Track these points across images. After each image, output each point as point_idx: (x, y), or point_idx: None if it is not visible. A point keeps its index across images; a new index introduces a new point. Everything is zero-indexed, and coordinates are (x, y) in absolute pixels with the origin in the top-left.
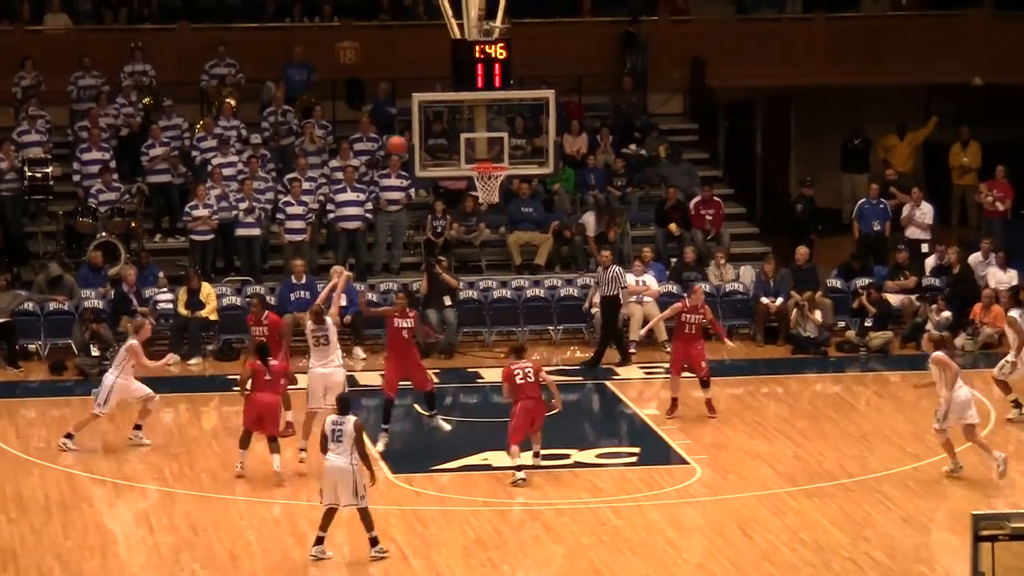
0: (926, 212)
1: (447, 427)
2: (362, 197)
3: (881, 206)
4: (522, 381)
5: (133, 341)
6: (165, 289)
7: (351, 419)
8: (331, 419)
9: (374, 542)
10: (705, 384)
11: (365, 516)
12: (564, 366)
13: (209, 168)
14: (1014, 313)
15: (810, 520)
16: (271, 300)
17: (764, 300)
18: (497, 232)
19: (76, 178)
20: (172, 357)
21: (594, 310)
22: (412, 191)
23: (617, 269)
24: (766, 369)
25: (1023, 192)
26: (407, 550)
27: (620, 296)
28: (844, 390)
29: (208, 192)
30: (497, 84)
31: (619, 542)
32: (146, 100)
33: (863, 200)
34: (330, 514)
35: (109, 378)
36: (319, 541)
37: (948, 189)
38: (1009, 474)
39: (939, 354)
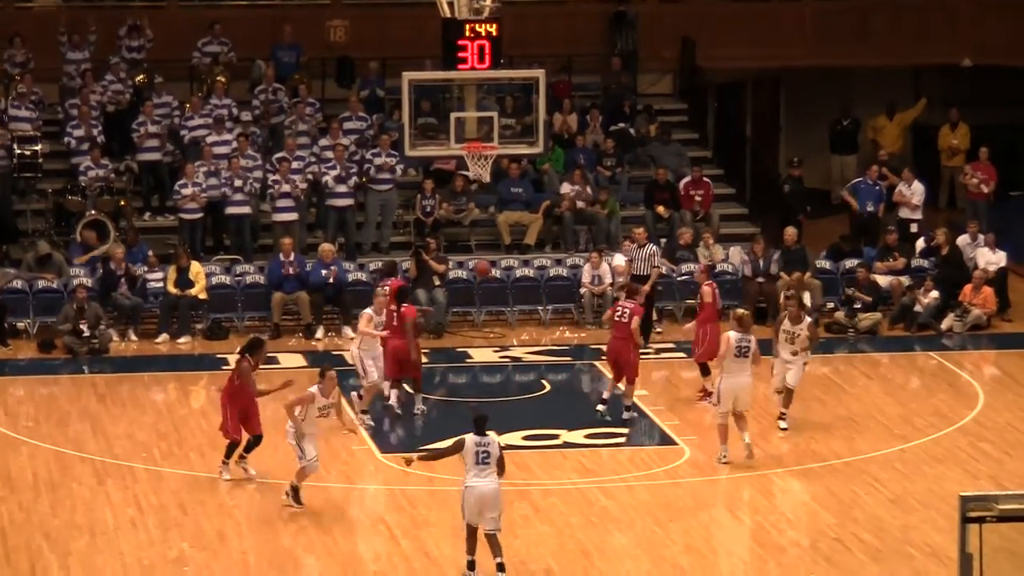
0: (916, 192)
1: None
2: (352, 175)
3: (877, 187)
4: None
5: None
6: (154, 269)
7: (495, 440)
8: (473, 440)
9: (501, 568)
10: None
11: (496, 541)
12: (553, 346)
13: (202, 146)
14: (809, 320)
15: (798, 501)
16: (260, 279)
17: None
18: (486, 212)
19: (64, 156)
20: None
21: (583, 290)
22: (400, 167)
23: (653, 247)
24: None
25: (1008, 174)
26: (396, 530)
27: (652, 275)
28: (833, 371)
29: (197, 170)
30: (487, 63)
31: (608, 522)
32: (140, 77)
33: (859, 180)
34: (475, 530)
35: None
36: (471, 567)
37: (937, 170)
38: (995, 455)
39: None
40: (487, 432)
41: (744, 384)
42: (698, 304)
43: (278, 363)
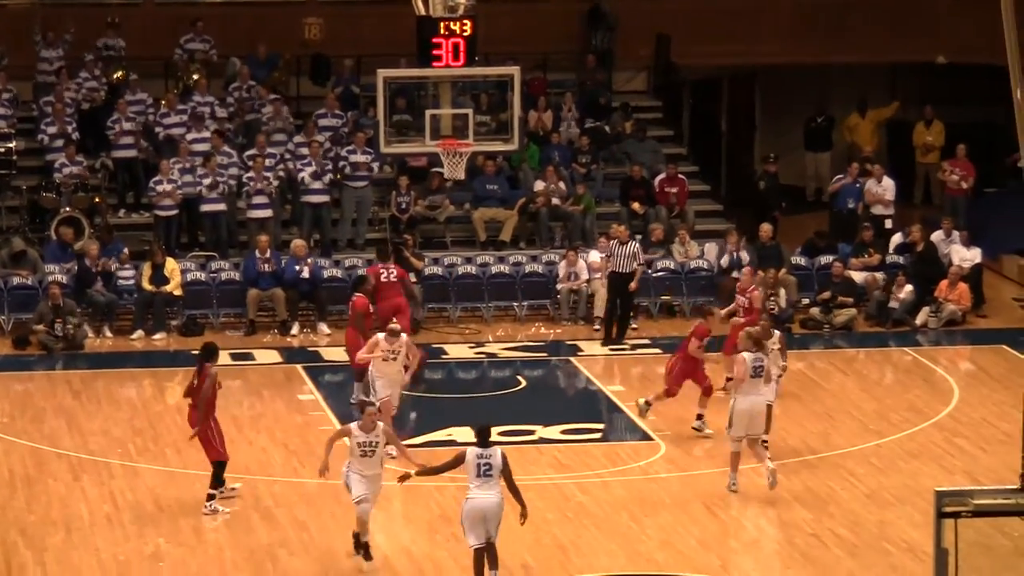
0: (887, 188)
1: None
2: (327, 172)
3: (856, 185)
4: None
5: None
6: (128, 266)
7: (498, 451)
8: (474, 452)
9: None
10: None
11: (494, 552)
12: (528, 342)
13: (178, 143)
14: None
15: (774, 496)
16: (236, 276)
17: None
18: (462, 208)
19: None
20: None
21: (560, 286)
22: (376, 165)
23: (636, 245)
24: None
25: (983, 171)
26: (371, 525)
27: (636, 272)
28: (808, 367)
29: (172, 167)
30: (462, 61)
31: (583, 518)
32: (118, 74)
33: (842, 176)
34: (483, 552)
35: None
36: None
37: (912, 167)
38: (969, 450)
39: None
40: (491, 444)
41: (759, 406)
42: (742, 308)
43: (254, 359)
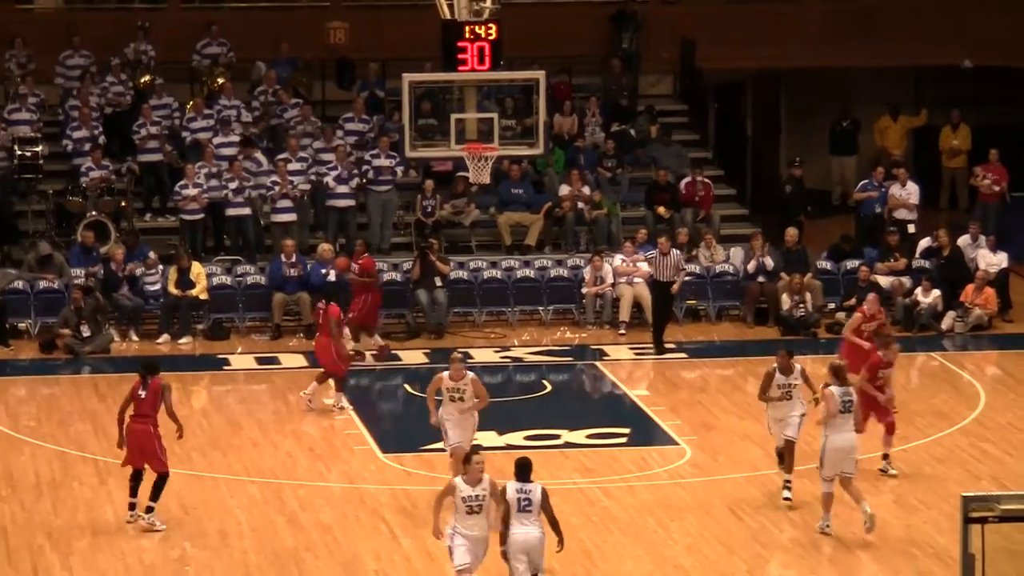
0: (911, 192)
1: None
2: (353, 176)
3: (882, 188)
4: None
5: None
6: (154, 271)
7: (538, 487)
8: (514, 487)
9: None
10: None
11: None
12: (553, 346)
13: (204, 147)
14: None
15: (799, 501)
16: (262, 280)
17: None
18: (487, 212)
19: (65, 157)
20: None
21: (585, 290)
22: (400, 169)
23: (677, 254)
24: (756, 350)
25: (1016, 174)
26: (397, 529)
27: (678, 280)
28: None
29: (198, 171)
30: (487, 65)
31: (609, 522)
32: (145, 79)
33: (866, 182)
34: None
35: None
36: None
37: (938, 171)
38: (996, 455)
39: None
40: (530, 478)
41: (850, 443)
42: (870, 333)
43: (279, 363)
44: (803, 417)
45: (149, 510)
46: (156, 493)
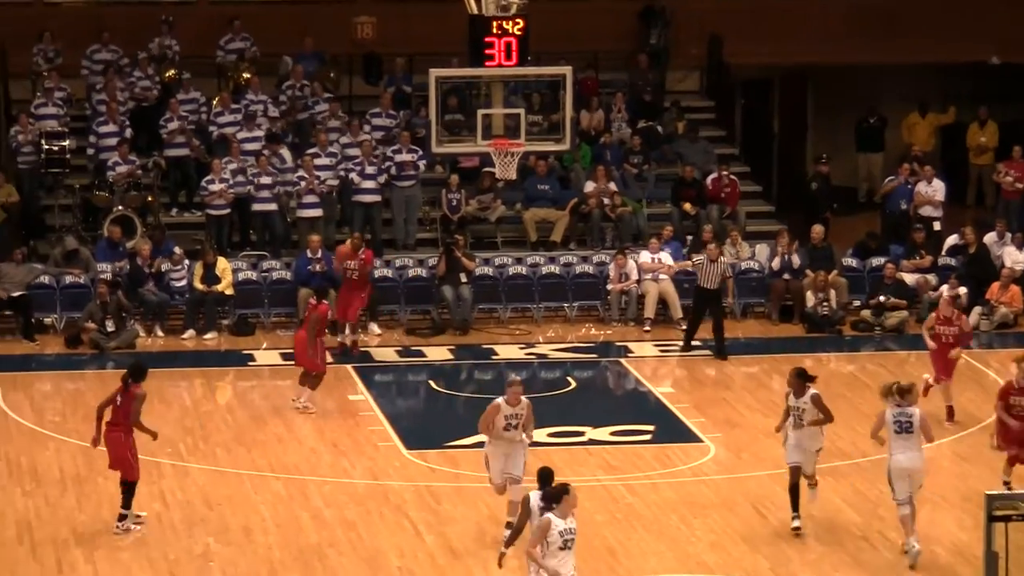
0: (937, 189)
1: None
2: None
3: (909, 186)
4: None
5: None
6: (180, 266)
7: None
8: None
9: None
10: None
11: None
12: (578, 343)
13: (230, 142)
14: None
15: (823, 499)
16: (287, 276)
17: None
18: (513, 208)
19: (90, 151)
20: None
21: (611, 287)
22: (423, 163)
23: (725, 260)
24: (781, 347)
25: None
26: (421, 526)
27: (729, 287)
28: (858, 369)
29: (224, 166)
30: (514, 60)
31: (633, 519)
32: (170, 73)
33: (892, 178)
34: None
35: None
36: None
37: (965, 168)
38: None
39: None
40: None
41: (916, 462)
42: (950, 336)
43: None
44: (819, 452)
45: (122, 518)
46: (127, 500)
